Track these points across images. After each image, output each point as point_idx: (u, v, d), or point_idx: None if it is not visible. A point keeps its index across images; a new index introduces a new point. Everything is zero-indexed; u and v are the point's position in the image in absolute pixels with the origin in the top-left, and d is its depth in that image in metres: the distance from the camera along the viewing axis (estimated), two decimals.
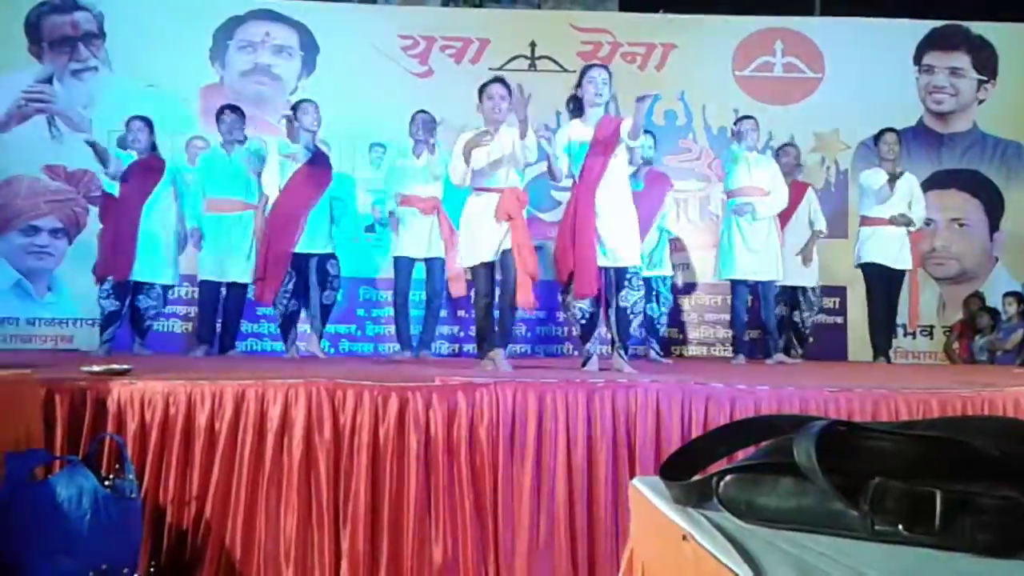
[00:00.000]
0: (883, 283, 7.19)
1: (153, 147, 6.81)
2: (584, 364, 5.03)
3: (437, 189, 6.68)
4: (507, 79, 5.27)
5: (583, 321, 5.04)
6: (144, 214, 6.65)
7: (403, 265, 6.78)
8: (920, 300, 7.69)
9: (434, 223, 6.66)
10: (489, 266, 5.14)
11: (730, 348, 7.77)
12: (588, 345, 5.08)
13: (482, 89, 5.26)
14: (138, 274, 6.65)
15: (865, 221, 7.20)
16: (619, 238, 4.95)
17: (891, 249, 7.08)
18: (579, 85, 5.10)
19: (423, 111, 6.82)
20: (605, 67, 5.22)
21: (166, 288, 6.96)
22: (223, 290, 6.92)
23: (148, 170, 6.74)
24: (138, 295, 6.76)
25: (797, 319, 7.47)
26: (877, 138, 7.29)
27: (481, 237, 5.09)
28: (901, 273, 7.18)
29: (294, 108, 6.58)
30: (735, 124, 7.11)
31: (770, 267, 6.79)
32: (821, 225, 7.32)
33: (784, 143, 7.68)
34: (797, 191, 7.21)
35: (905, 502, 0.95)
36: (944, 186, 8.83)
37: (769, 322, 6.92)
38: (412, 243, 6.70)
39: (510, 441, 3.50)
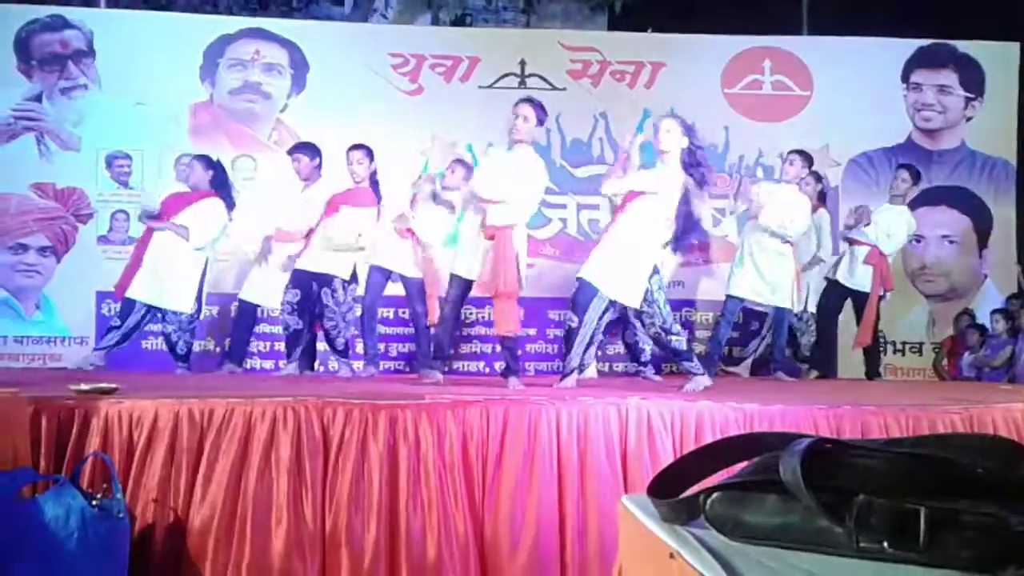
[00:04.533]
0: (839, 303, 7.45)
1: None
2: (562, 379, 5.11)
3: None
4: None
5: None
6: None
7: (375, 277, 6.73)
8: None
9: (409, 244, 6.67)
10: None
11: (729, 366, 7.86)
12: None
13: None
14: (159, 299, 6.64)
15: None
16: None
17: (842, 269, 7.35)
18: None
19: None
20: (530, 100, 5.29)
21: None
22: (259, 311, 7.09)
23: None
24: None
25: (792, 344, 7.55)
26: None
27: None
28: (863, 294, 7.32)
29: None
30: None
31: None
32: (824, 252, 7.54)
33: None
34: None
35: (890, 519, 0.96)
36: (933, 203, 8.86)
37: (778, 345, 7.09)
38: (389, 254, 6.67)
39: (499, 458, 3.50)
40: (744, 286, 6.88)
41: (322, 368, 7.75)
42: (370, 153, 6.51)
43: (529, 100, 5.27)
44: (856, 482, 1.00)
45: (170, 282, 6.53)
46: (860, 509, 0.97)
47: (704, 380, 5.00)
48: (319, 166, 6.63)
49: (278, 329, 7.12)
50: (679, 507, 1.16)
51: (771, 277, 6.84)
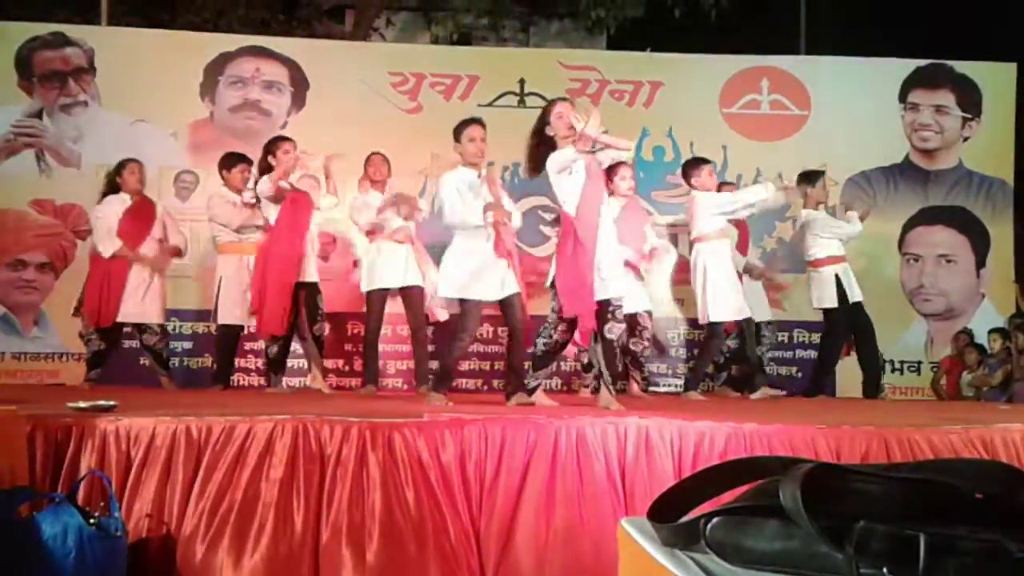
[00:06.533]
0: (844, 322, 7.32)
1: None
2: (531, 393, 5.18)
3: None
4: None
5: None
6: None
7: (376, 300, 6.76)
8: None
9: (408, 251, 6.69)
10: (480, 304, 5.18)
11: (719, 384, 7.81)
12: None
13: (462, 129, 5.28)
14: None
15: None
16: (609, 269, 4.93)
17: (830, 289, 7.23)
18: (547, 123, 5.04)
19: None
20: (568, 100, 5.25)
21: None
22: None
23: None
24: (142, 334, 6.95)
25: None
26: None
27: (484, 273, 5.12)
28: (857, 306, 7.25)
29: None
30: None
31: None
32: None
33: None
34: None
35: (889, 545, 0.96)
36: (931, 222, 8.89)
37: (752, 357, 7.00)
38: (387, 274, 6.69)
39: (496, 477, 3.49)
40: (721, 310, 6.68)
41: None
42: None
43: None
44: (856, 508, 1.00)
45: None
46: (860, 535, 0.98)
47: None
48: None
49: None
50: (679, 531, 1.16)
51: (731, 291, 6.74)
